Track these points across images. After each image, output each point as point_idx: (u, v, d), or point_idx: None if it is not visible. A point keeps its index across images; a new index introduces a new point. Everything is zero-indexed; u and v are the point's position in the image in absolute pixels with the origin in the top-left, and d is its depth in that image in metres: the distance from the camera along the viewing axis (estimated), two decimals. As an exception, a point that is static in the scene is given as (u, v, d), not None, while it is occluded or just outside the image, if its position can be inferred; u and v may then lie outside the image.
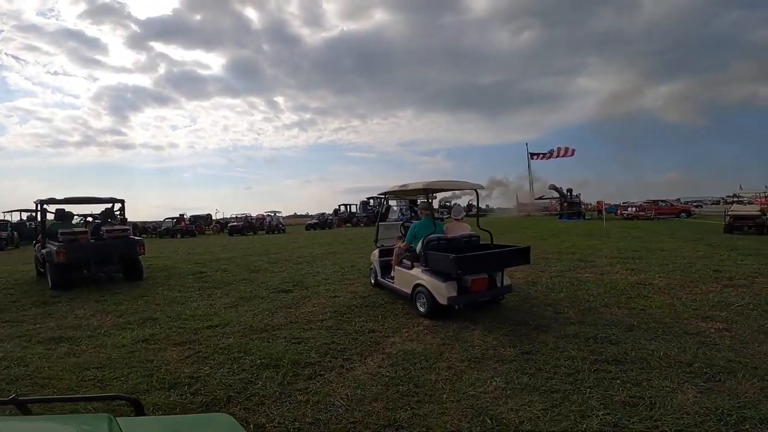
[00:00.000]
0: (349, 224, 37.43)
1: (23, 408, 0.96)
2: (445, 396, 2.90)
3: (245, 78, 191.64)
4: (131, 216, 35.28)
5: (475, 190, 6.08)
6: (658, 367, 3.28)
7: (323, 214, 42.62)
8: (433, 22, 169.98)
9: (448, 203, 44.66)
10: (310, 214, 48.83)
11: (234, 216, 37.98)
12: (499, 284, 5.07)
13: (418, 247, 5.22)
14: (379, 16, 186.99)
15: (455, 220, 5.90)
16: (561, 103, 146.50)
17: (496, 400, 2.82)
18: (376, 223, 7.26)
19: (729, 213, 15.57)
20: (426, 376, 3.24)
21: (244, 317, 5.22)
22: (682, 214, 31.17)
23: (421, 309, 4.95)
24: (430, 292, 4.77)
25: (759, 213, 14.87)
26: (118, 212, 9.36)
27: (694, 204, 42.29)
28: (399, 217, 21.60)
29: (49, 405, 2.63)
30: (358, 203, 40.37)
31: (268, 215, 35.68)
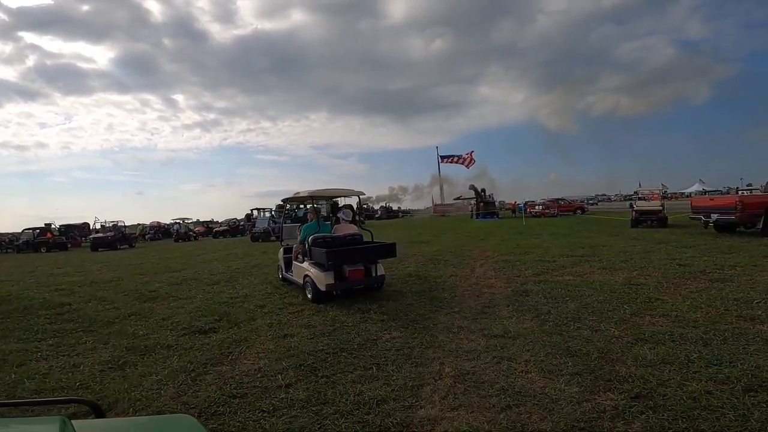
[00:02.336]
0: (263, 230, 33.89)
1: None
2: None
3: (138, 74, 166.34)
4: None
5: (358, 196, 7.15)
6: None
7: (234, 219, 38.31)
8: (351, 26, 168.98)
9: (365, 205, 47.41)
10: (216, 220, 43.22)
11: (101, 224, 29.38)
12: (374, 274, 5.87)
13: (307, 244, 5.95)
14: (297, 17, 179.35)
15: (343, 221, 6.72)
16: (464, 110, 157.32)
17: None
18: (280, 225, 8.72)
19: (635, 208, 16.97)
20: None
21: (140, 389, 3.01)
22: (578, 211, 34.65)
23: (309, 295, 5.76)
24: (313, 280, 5.56)
25: (660, 208, 16.43)
26: None
27: (590, 201, 47.49)
28: (269, 224, 22.54)
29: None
30: (274, 207, 36.99)
31: (176, 222, 32.39)
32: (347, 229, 6.43)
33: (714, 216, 12.37)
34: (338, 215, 7.23)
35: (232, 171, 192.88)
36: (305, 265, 5.90)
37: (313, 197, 6.78)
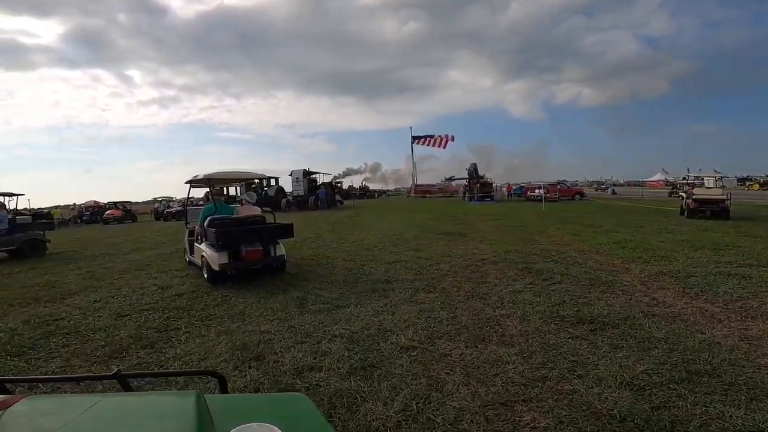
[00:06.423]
0: (227, 212, 28.79)
1: (124, 382, 0.97)
2: None
3: (90, 49, 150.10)
4: None
5: (260, 179, 10.88)
6: None
7: (192, 198, 32.85)
8: (321, 4, 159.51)
9: (339, 183, 43.27)
10: (175, 198, 36.63)
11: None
12: (272, 254, 6.00)
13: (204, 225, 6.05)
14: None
15: (247, 203, 7.07)
16: (432, 93, 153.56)
17: None
18: (185, 208, 9.03)
19: (694, 196, 14.13)
20: None
21: None
22: (577, 196, 32.25)
23: (205, 275, 5.83)
24: (208, 261, 5.63)
25: (724, 197, 13.64)
26: None
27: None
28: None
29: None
30: (242, 184, 31.72)
31: (158, 201, 32.51)
32: (250, 210, 6.62)
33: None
34: (242, 197, 7.68)
35: (191, 149, 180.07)
36: (202, 246, 5.98)
37: (211, 179, 6.74)
